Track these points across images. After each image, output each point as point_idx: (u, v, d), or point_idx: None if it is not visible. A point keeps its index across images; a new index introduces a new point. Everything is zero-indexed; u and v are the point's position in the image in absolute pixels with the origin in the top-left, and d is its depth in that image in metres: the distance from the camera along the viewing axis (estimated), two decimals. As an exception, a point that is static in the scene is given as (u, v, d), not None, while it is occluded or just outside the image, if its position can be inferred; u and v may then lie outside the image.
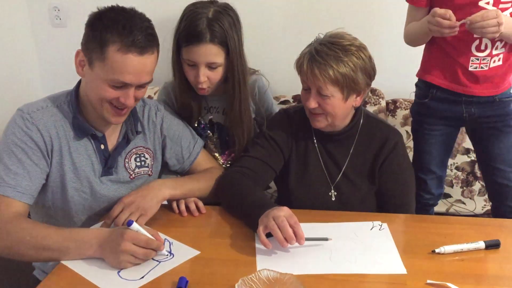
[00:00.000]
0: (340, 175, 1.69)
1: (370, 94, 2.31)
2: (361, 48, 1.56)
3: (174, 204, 1.60)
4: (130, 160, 1.61)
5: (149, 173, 1.66)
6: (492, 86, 1.77)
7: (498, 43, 1.71)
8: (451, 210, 2.37)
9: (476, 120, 1.82)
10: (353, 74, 1.52)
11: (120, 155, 1.59)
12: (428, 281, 1.23)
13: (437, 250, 1.34)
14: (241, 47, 1.71)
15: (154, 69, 1.46)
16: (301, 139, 1.72)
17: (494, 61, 1.73)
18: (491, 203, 1.99)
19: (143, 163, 1.64)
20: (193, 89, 1.75)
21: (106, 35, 1.36)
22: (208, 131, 1.89)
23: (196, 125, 1.87)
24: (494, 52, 1.72)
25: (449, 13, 1.58)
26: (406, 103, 2.34)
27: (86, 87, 1.47)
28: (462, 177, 2.32)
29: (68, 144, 1.50)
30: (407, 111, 2.31)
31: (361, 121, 1.69)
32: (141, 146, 1.64)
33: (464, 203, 2.36)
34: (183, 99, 1.80)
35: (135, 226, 1.30)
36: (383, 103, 2.32)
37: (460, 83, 1.77)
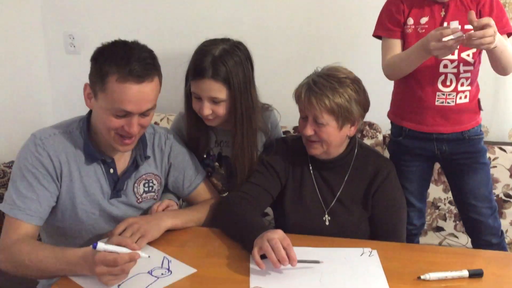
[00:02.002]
0: (334, 201, 1.74)
1: (367, 128, 2.38)
2: (356, 81, 1.65)
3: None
4: (139, 185, 1.67)
5: (155, 197, 1.73)
6: (459, 123, 1.80)
7: (463, 80, 1.75)
8: (444, 243, 2.39)
9: (448, 157, 1.86)
10: (348, 105, 1.61)
11: (129, 178, 1.65)
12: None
13: (422, 277, 1.38)
14: (247, 85, 1.73)
15: (157, 96, 1.52)
16: (298, 166, 1.78)
17: (461, 98, 1.76)
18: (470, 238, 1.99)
19: (150, 188, 1.70)
20: (203, 121, 1.80)
21: (105, 67, 1.43)
22: (216, 163, 1.94)
23: (205, 156, 1.91)
24: (460, 88, 1.75)
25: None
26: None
27: (94, 117, 1.55)
28: (455, 211, 2.34)
29: (79, 169, 1.56)
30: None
31: (356, 150, 1.75)
32: (151, 173, 1.70)
33: (456, 237, 2.38)
34: (191, 131, 1.86)
35: (100, 246, 1.29)
36: (380, 137, 2.38)
37: (428, 123, 1.80)
